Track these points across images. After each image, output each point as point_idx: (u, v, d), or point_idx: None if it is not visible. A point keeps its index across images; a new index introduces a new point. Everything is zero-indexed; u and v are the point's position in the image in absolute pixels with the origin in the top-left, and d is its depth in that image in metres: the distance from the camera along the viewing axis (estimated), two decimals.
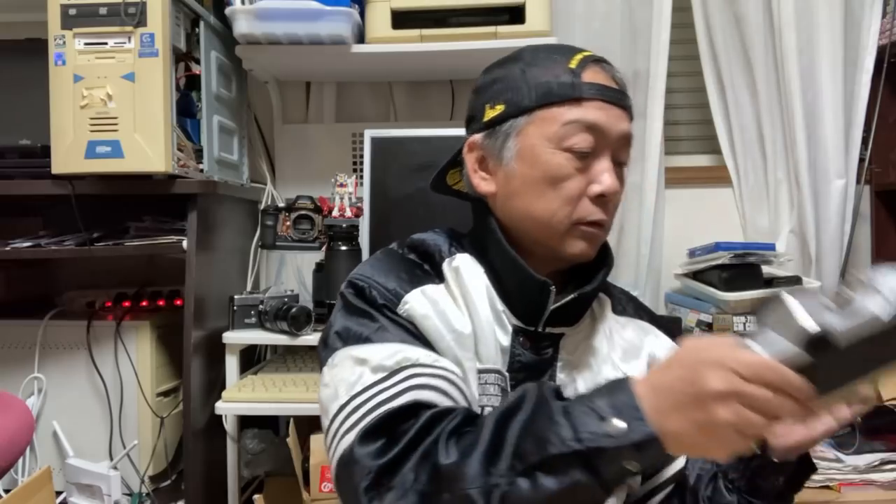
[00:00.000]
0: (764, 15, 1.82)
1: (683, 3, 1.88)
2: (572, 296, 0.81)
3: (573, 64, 0.80)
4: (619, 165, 0.82)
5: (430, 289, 0.81)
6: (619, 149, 0.81)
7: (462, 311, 0.81)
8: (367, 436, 0.68)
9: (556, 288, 0.81)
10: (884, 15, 1.80)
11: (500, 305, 0.83)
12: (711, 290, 1.61)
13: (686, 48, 1.97)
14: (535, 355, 0.83)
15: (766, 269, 1.65)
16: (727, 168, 1.91)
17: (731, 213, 1.94)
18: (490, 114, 0.83)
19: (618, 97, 0.80)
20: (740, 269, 1.60)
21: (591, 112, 0.78)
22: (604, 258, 0.87)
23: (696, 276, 1.70)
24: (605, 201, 0.80)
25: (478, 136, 0.85)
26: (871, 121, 1.81)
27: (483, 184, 0.85)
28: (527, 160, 0.80)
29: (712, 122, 1.91)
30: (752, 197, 1.90)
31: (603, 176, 0.79)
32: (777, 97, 1.83)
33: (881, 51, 1.79)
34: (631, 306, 0.97)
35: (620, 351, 0.89)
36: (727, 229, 1.91)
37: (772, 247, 1.69)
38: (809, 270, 1.81)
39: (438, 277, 0.84)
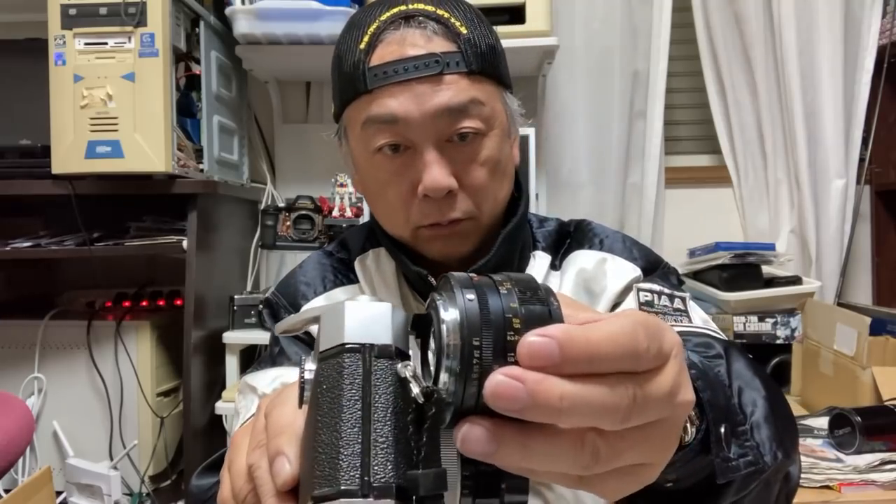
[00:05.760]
0: (764, 15, 1.82)
1: (683, 3, 1.88)
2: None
3: (363, 44, 0.64)
4: (461, 139, 0.64)
5: (338, 293, 0.74)
6: (447, 125, 0.63)
7: None
8: (204, 469, 0.64)
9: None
10: (884, 15, 1.80)
11: (414, 302, 0.72)
12: (711, 289, 1.61)
13: (686, 48, 1.97)
14: None
15: (766, 269, 1.65)
16: (727, 168, 1.91)
17: (731, 213, 1.94)
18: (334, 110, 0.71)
19: (417, 66, 0.62)
20: (740, 269, 1.60)
21: (381, 104, 0.63)
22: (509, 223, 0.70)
23: (696, 276, 1.70)
24: (451, 197, 0.64)
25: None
26: (871, 121, 1.81)
27: (355, 179, 0.75)
28: (356, 166, 0.70)
29: (712, 122, 1.91)
30: (752, 197, 1.90)
31: (424, 173, 0.63)
32: (777, 97, 1.83)
33: (881, 51, 1.80)
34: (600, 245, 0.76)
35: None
36: (727, 229, 1.91)
37: (772, 247, 1.69)
38: (809, 270, 1.81)
39: (354, 276, 0.75)
